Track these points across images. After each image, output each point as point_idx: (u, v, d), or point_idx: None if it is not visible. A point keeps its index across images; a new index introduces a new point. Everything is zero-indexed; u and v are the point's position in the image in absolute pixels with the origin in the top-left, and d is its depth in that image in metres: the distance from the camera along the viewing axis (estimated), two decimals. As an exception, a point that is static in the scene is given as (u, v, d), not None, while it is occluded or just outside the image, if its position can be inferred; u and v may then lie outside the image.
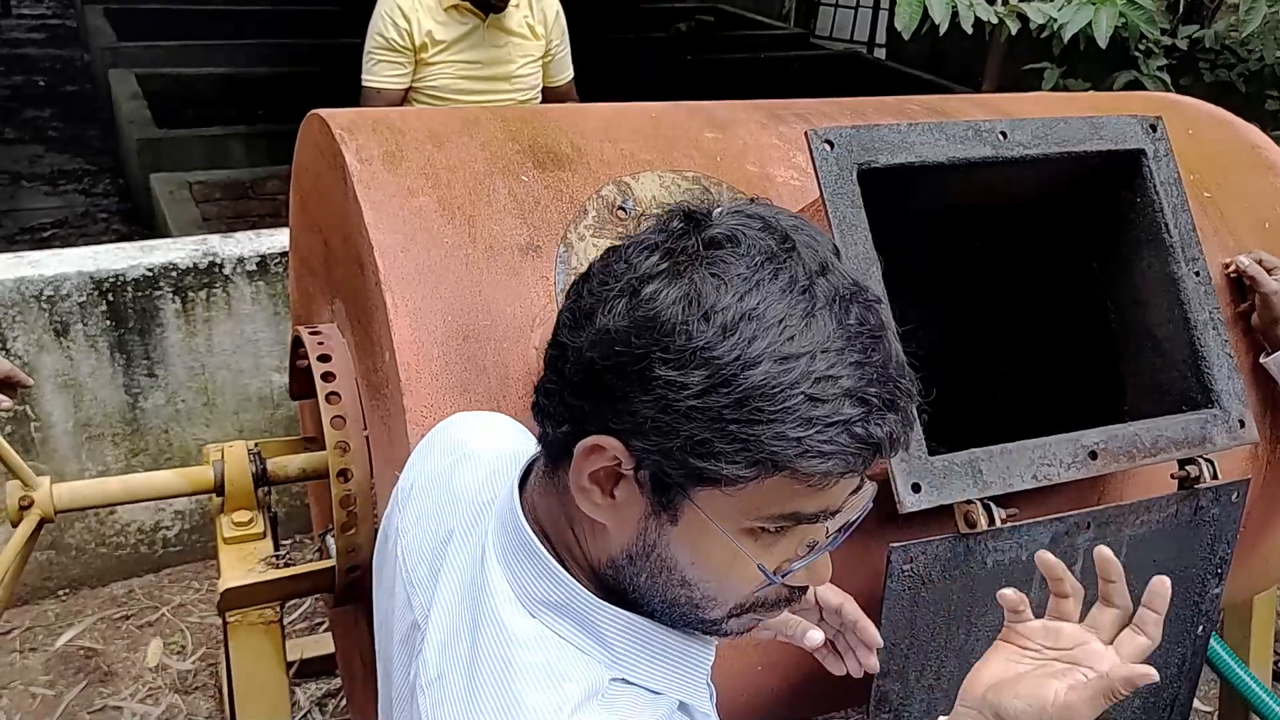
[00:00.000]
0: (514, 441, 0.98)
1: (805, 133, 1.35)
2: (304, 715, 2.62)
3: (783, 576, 0.74)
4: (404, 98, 3.03)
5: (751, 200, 0.75)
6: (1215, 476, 1.49)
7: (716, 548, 0.72)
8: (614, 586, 0.78)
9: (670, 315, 0.67)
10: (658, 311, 0.67)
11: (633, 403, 0.68)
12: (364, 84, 3.01)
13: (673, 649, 0.80)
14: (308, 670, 2.67)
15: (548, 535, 0.80)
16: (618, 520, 0.74)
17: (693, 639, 0.81)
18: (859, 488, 0.73)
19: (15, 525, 1.57)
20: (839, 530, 0.75)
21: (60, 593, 2.93)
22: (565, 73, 3.33)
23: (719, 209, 0.73)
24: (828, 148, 1.35)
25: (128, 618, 2.88)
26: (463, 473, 0.92)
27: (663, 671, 0.79)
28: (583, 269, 1.12)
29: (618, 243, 0.75)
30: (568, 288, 1.12)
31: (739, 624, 0.79)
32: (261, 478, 1.69)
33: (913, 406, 0.70)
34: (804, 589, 0.80)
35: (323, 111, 1.58)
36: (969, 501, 1.32)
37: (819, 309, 0.67)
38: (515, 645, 0.76)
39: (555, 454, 0.77)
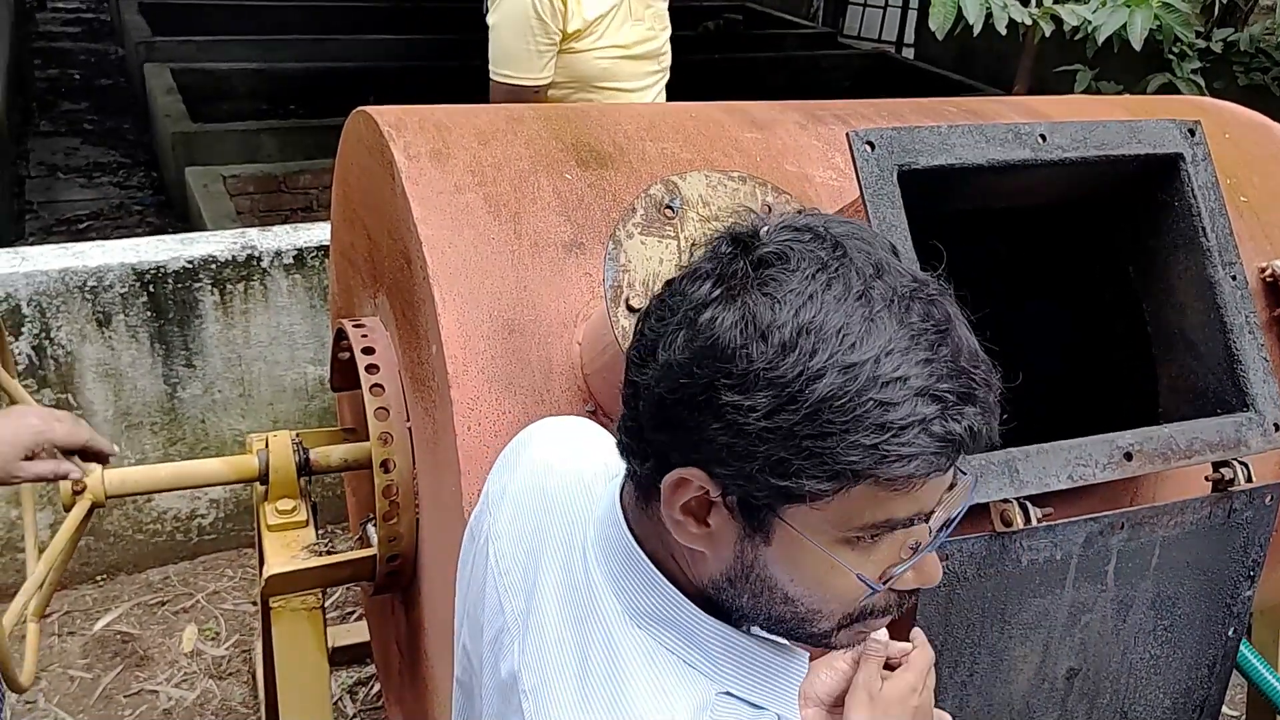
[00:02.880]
0: (602, 449, 0.98)
1: (847, 134, 1.37)
2: (334, 703, 2.66)
3: (886, 583, 0.73)
4: None
5: (799, 212, 0.75)
6: (1249, 479, 1.49)
7: (813, 562, 0.72)
8: (719, 607, 0.79)
9: (729, 340, 0.67)
10: (716, 337, 0.68)
11: (706, 431, 0.68)
12: (509, 81, 2.54)
13: (773, 663, 0.81)
14: (338, 659, 2.71)
15: (648, 554, 0.81)
16: (714, 546, 0.75)
17: (789, 653, 0.83)
18: (953, 485, 0.73)
19: (68, 509, 1.61)
20: (941, 529, 0.74)
21: (98, 578, 2.98)
22: None
23: (766, 227, 0.72)
24: (869, 149, 1.37)
25: (163, 603, 2.93)
26: (555, 480, 0.94)
27: (764, 686, 0.80)
28: (631, 265, 1.15)
29: (675, 275, 0.75)
30: (614, 286, 1.15)
31: (848, 635, 0.79)
32: (304, 467, 1.73)
33: (992, 396, 0.69)
34: (914, 592, 0.79)
35: (369, 108, 1.61)
36: (1005, 500, 1.33)
37: (878, 312, 0.67)
38: (625, 657, 0.77)
39: (645, 489, 0.78)
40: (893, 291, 0.68)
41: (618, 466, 0.88)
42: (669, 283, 0.75)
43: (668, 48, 2.77)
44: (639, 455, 0.76)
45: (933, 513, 0.73)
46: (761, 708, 0.80)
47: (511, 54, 2.51)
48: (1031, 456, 1.35)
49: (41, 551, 1.66)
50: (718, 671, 0.79)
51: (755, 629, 0.82)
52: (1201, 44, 4.09)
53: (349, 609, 2.97)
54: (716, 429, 0.68)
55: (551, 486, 0.93)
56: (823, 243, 0.70)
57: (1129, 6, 3.46)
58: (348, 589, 2.99)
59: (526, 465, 0.98)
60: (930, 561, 0.76)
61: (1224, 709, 2.67)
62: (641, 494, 0.80)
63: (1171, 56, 3.95)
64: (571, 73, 2.57)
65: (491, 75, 2.57)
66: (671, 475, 0.72)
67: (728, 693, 0.79)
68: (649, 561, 0.80)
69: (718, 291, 0.69)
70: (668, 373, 0.70)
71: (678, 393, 0.69)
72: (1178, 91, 3.88)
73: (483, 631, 0.93)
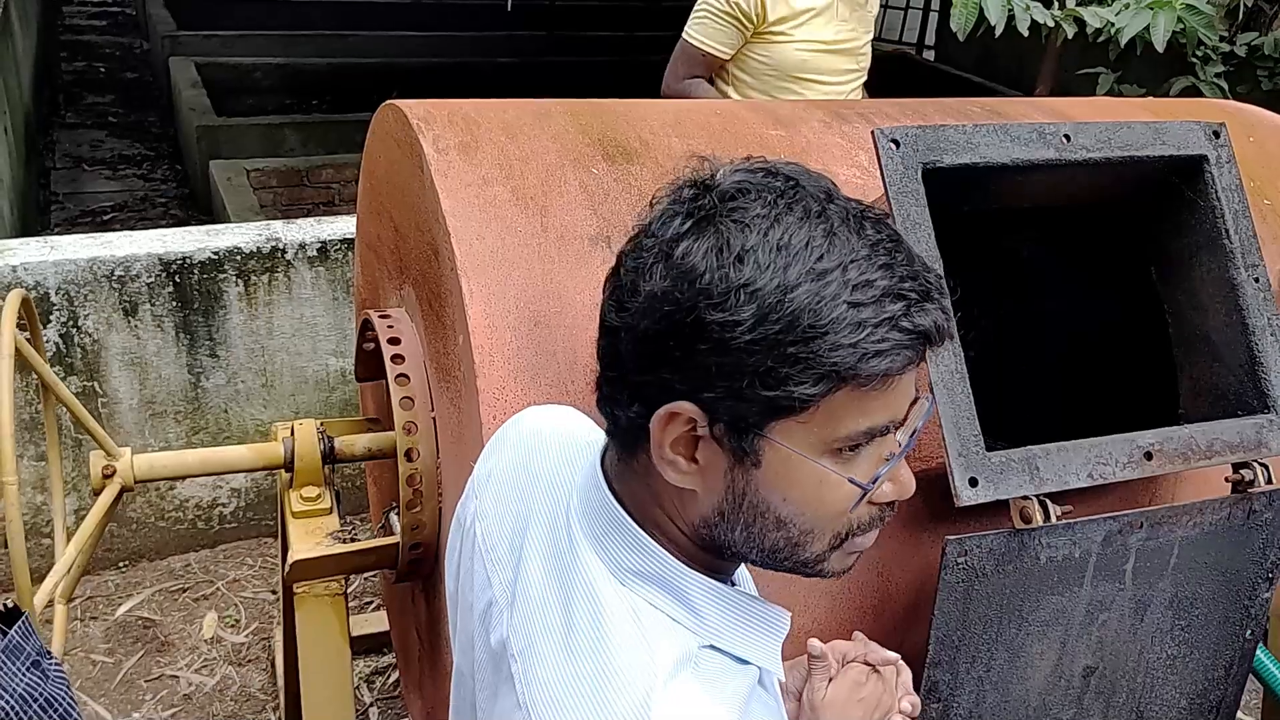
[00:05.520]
0: (584, 429, 1.02)
1: (872, 132, 1.38)
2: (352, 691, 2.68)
3: (873, 483, 0.77)
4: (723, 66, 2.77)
5: (747, 158, 0.81)
6: (1269, 481, 1.50)
7: (803, 477, 0.76)
8: (710, 547, 0.81)
9: (706, 264, 0.72)
10: (693, 264, 0.72)
11: (694, 355, 0.72)
12: (689, 39, 2.73)
13: (756, 615, 0.83)
14: (355, 648, 2.73)
15: (632, 514, 0.83)
16: (704, 482, 0.78)
17: (770, 607, 0.85)
18: (916, 399, 0.78)
19: (98, 493, 1.64)
20: (909, 437, 0.79)
21: (120, 564, 3.02)
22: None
23: (720, 171, 0.78)
24: (894, 147, 1.38)
25: (184, 590, 2.97)
26: (540, 458, 0.96)
27: (749, 638, 0.83)
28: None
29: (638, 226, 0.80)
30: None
31: (839, 560, 0.82)
32: (329, 455, 1.75)
33: (946, 300, 0.75)
34: (893, 506, 0.82)
35: (398, 102, 1.63)
36: (1025, 497, 1.34)
37: (836, 228, 0.73)
38: (608, 613, 0.79)
39: (630, 439, 0.81)
40: (845, 211, 0.75)
41: (601, 441, 0.91)
42: (637, 232, 0.79)
43: (868, 49, 2.87)
44: (624, 402, 0.79)
45: (902, 423, 0.78)
46: (746, 661, 0.82)
47: (699, 14, 2.71)
48: (1052, 454, 1.36)
49: (69, 535, 1.69)
50: (702, 626, 0.81)
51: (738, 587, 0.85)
52: (1225, 47, 4.08)
53: (366, 599, 3.00)
54: (704, 350, 0.72)
55: (536, 463, 0.96)
56: (775, 177, 0.76)
57: (1152, 9, 3.45)
58: (364, 579, 3.01)
59: (511, 446, 1.00)
60: (905, 473, 0.81)
61: (1240, 715, 2.67)
62: (625, 449, 0.82)
63: (1195, 60, 3.94)
64: (772, 61, 2.71)
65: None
66: (660, 411, 0.75)
67: (712, 646, 0.81)
68: (631, 520, 0.82)
69: (688, 224, 0.75)
70: (650, 305, 0.74)
71: (662, 323, 0.73)
72: (1200, 95, 3.87)
73: (473, 609, 0.94)
